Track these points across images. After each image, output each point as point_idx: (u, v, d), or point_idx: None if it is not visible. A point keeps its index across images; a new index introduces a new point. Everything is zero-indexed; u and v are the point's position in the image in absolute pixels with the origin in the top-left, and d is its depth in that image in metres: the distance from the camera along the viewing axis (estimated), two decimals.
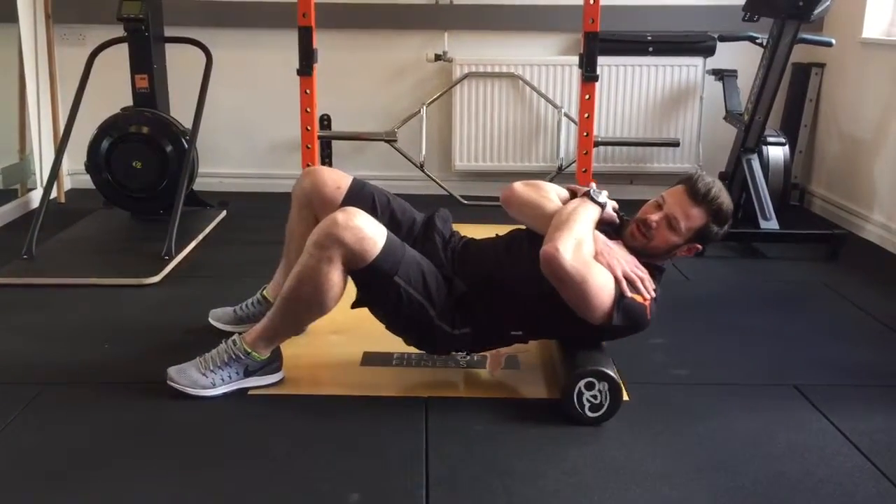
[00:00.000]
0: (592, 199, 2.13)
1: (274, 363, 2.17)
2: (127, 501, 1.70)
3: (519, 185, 2.24)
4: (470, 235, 2.35)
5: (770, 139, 3.85)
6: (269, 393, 2.15)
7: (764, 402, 2.19)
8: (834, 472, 1.86)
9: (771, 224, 3.51)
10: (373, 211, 2.19)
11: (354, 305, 2.12)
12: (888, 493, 1.78)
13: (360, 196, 2.27)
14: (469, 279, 2.14)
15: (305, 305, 2.04)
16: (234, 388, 2.12)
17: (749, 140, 3.69)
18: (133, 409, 2.07)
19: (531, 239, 2.12)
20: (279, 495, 1.72)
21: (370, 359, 2.37)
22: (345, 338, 2.46)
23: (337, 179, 2.30)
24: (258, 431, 1.98)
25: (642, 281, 2.05)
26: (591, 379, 2.00)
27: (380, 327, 2.30)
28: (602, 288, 1.98)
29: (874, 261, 3.49)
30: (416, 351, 2.32)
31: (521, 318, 2.15)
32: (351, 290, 2.08)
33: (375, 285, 2.03)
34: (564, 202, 2.19)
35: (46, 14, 4.04)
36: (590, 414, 2.02)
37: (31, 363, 2.32)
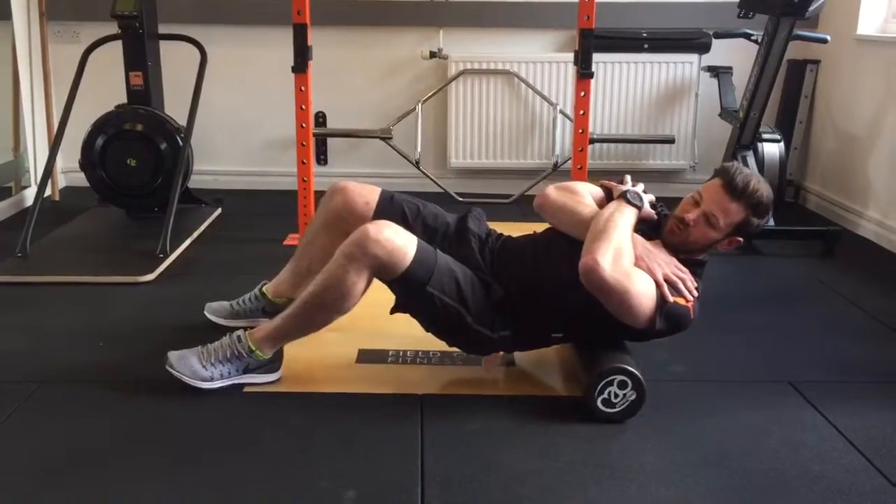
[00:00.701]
0: (629, 202, 2.10)
1: (274, 363, 2.17)
2: (123, 499, 1.70)
3: (552, 190, 2.21)
4: (507, 233, 2.34)
5: (765, 136, 3.85)
6: (265, 390, 2.14)
7: (760, 398, 2.19)
8: (829, 468, 1.86)
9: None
10: (404, 222, 2.19)
11: (393, 311, 2.13)
12: (883, 489, 1.78)
13: (390, 209, 2.26)
14: (509, 282, 2.13)
15: (326, 311, 2.05)
16: (231, 383, 2.12)
17: (744, 137, 3.69)
18: (128, 407, 2.06)
19: (570, 241, 2.10)
20: (275, 493, 1.72)
21: (365, 356, 2.36)
22: (340, 335, 2.46)
23: (365, 195, 2.29)
24: (254, 429, 1.98)
25: (684, 282, 2.03)
26: (625, 378, 2.00)
27: (376, 325, 2.31)
28: (644, 295, 1.96)
29: (869, 257, 3.50)
30: (412, 348, 2.32)
31: (562, 320, 2.14)
32: (379, 293, 2.09)
33: (409, 294, 2.05)
34: (599, 202, 2.17)
35: (40, 11, 4.03)
36: (602, 408, 2.02)
37: (26, 361, 2.31)
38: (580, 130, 3.29)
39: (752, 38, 3.80)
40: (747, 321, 2.74)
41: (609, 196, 2.19)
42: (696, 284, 2.07)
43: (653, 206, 2.22)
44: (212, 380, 2.10)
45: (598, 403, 2.02)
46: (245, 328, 2.16)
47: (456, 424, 2.01)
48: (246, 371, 2.12)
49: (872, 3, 3.88)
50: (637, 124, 4.31)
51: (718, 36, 3.95)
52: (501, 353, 2.33)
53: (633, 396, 2.01)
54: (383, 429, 1.98)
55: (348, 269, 1.97)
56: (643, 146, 4.31)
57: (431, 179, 4.06)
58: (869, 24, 3.89)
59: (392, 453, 1.88)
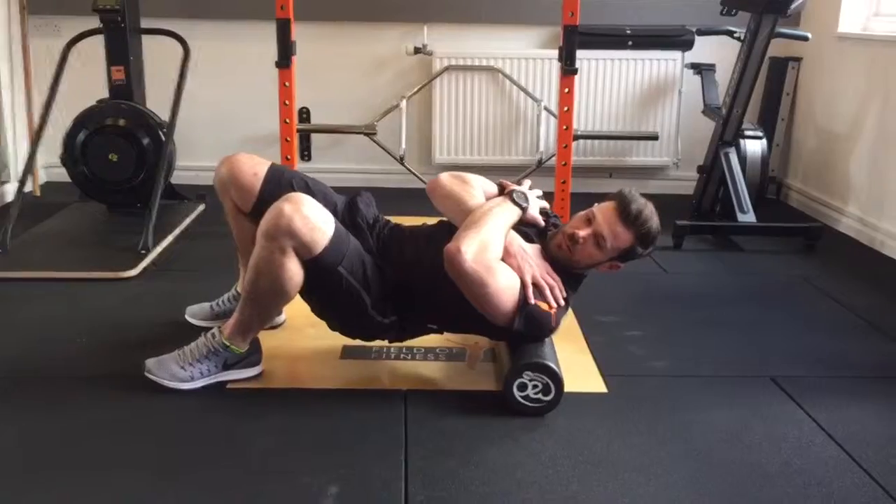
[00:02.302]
0: (513, 201, 2.11)
1: (253, 356, 2.16)
2: (104, 497, 1.69)
3: (445, 177, 2.21)
4: (397, 222, 2.33)
5: (748, 133, 3.88)
6: (247, 387, 2.13)
7: (741, 394, 2.21)
8: (810, 462, 1.88)
9: (748, 217, 3.54)
10: None
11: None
12: (863, 483, 1.80)
13: (279, 183, 2.21)
14: (391, 268, 2.13)
15: (268, 296, 2.02)
16: (213, 381, 2.11)
17: (727, 133, 3.72)
18: (110, 404, 2.05)
19: (451, 234, 2.06)
20: (258, 489, 1.72)
21: (349, 352, 2.36)
22: (323, 331, 2.44)
23: (254, 165, 2.24)
24: (237, 425, 1.97)
25: (552, 289, 2.05)
26: (522, 380, 2.02)
27: None
28: (503, 291, 1.98)
29: (850, 253, 3.53)
30: (396, 344, 2.32)
31: (436, 312, 2.15)
32: None
33: (318, 273, 2.00)
34: (490, 198, 2.17)
35: (21, 5, 3.99)
36: (545, 398, 2.03)
37: (5, 357, 2.30)
38: (564, 127, 3.30)
39: (735, 35, 3.83)
40: (729, 317, 2.76)
41: (502, 194, 2.19)
42: (564, 294, 2.08)
43: (545, 213, 2.24)
44: (192, 379, 2.09)
45: (521, 400, 2.03)
46: (219, 326, 2.15)
47: (439, 419, 2.01)
48: (225, 367, 2.11)
49: (854, 1, 3.91)
50: (621, 121, 4.32)
51: (701, 33, 3.98)
52: (483, 350, 2.34)
53: (545, 381, 2.01)
54: (367, 424, 1.98)
55: (272, 251, 1.93)
56: (627, 143, 4.32)
57: (416, 176, 4.06)
58: (850, 22, 3.92)
59: (375, 449, 1.88)
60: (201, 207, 3.83)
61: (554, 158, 3.48)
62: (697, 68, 4.16)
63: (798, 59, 4.26)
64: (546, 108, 4.17)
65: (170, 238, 3.35)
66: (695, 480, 1.79)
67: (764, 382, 2.27)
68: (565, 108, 3.28)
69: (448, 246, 1.96)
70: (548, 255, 2.13)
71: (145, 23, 3.67)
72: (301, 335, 2.45)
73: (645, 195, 2.19)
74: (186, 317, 2.51)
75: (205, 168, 4.31)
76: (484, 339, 2.28)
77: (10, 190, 3.85)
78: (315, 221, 1.94)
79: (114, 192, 3.58)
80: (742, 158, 3.81)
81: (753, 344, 2.54)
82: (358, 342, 2.35)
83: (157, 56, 3.73)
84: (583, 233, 2.08)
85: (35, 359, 2.29)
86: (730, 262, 3.37)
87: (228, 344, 2.10)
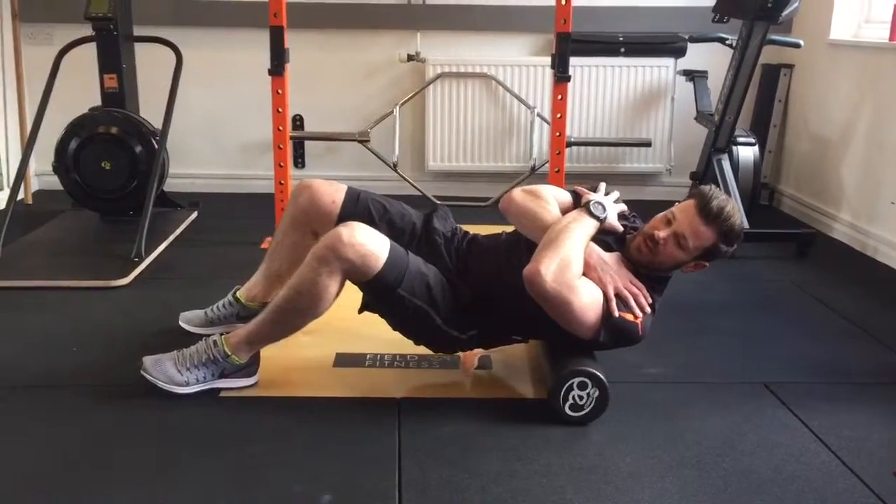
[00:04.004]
0: (590, 213, 2.06)
1: (250, 367, 2.15)
2: (97, 503, 1.68)
3: (517, 193, 2.18)
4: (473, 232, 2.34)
5: (740, 139, 3.88)
6: (241, 395, 2.13)
7: (734, 400, 2.21)
8: (803, 468, 1.88)
9: None
10: (370, 221, 2.17)
11: (361, 310, 2.14)
12: (856, 489, 1.80)
13: (356, 208, 2.25)
14: (472, 283, 2.14)
15: (300, 315, 2.04)
16: (207, 387, 2.10)
17: (719, 140, 3.72)
18: (103, 413, 2.04)
19: (529, 248, 2.05)
20: (250, 497, 1.71)
21: (343, 360, 2.36)
22: (317, 339, 2.45)
23: (332, 193, 2.27)
24: (230, 433, 1.96)
25: (636, 298, 2.02)
26: (584, 379, 2.00)
27: (352, 328, 2.30)
28: (587, 308, 1.96)
29: (842, 259, 3.54)
30: (389, 352, 2.31)
31: (519, 323, 2.16)
32: (356, 296, 2.11)
33: (380, 296, 2.05)
34: (566, 207, 2.14)
35: (13, 12, 3.98)
36: (571, 413, 2.02)
37: None
38: (557, 133, 3.31)
39: (727, 42, 3.84)
40: (722, 323, 2.76)
41: (577, 202, 2.16)
42: (650, 301, 2.05)
43: (623, 216, 2.21)
44: (187, 384, 2.08)
45: (567, 410, 2.02)
46: (221, 333, 2.15)
47: (433, 427, 2.00)
48: (221, 376, 2.11)
49: (845, 8, 3.93)
50: (614, 128, 4.33)
51: (694, 40, 3.99)
52: (478, 356, 2.33)
53: (597, 394, 2.01)
54: (360, 432, 1.98)
55: (321, 273, 1.96)
56: (620, 149, 4.33)
57: (409, 182, 4.06)
58: (842, 29, 3.94)
59: (369, 457, 1.87)
60: (194, 215, 3.82)
61: (547, 165, 3.48)
62: (690, 75, 4.17)
63: (790, 66, 4.28)
64: (539, 115, 4.17)
65: (163, 246, 3.34)
66: (688, 487, 1.79)
67: (757, 389, 2.27)
68: (558, 115, 3.28)
69: (528, 268, 1.94)
70: (629, 261, 2.09)
71: (138, 30, 3.67)
72: (294, 343, 2.43)
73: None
74: (180, 322, 2.50)
75: (198, 175, 4.34)
76: (478, 347, 2.27)
77: (2, 198, 3.83)
78: (368, 248, 1.96)
79: (106, 200, 3.57)
80: (734, 165, 3.81)
81: (746, 350, 2.55)
82: (351, 349, 2.35)
83: (150, 64, 3.72)
84: (663, 234, 2.03)
85: (27, 368, 2.28)
86: (722, 268, 3.36)
87: (230, 354, 2.09)
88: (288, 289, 2.03)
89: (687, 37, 4.05)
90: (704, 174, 3.83)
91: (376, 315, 2.15)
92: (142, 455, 1.86)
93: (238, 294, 2.46)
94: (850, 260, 3.54)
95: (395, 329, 2.17)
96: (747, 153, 3.90)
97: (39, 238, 3.41)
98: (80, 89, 3.64)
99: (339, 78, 4.29)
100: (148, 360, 2.11)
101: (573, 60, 3.27)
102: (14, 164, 3.91)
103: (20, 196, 3.71)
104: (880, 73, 3.56)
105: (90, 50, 3.52)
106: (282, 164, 3.31)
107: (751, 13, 3.45)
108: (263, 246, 3.39)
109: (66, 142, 3.48)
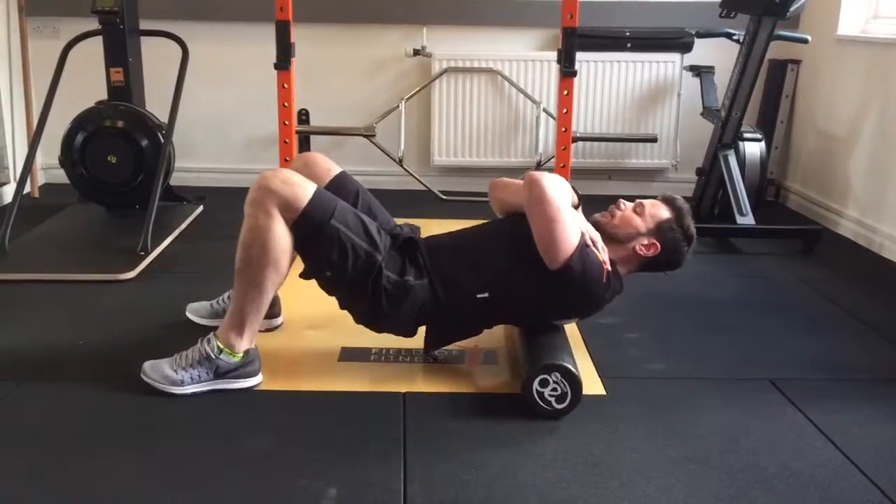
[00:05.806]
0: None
1: (248, 366, 2.13)
2: (103, 497, 1.69)
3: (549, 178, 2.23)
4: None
5: (746, 135, 3.88)
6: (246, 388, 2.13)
7: (740, 396, 2.20)
8: (808, 465, 1.87)
9: (747, 220, 3.54)
10: (353, 202, 2.22)
11: (302, 275, 2.14)
12: (861, 486, 1.80)
13: (346, 185, 2.28)
14: (437, 257, 2.18)
15: (259, 269, 2.02)
16: (206, 388, 2.09)
17: (726, 136, 3.72)
18: (109, 406, 2.05)
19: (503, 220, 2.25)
20: (255, 491, 1.71)
21: (348, 354, 2.36)
22: (322, 333, 2.45)
23: (329, 163, 2.34)
24: (235, 427, 1.97)
25: (595, 243, 2.14)
26: (543, 376, 2.01)
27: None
28: (570, 225, 2.05)
29: (849, 256, 3.53)
30: (394, 346, 2.31)
31: (488, 278, 2.14)
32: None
33: (314, 236, 2.02)
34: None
35: (20, 6, 3.99)
36: (557, 406, 2.03)
37: (5, 359, 2.29)
38: (563, 129, 3.30)
39: (734, 37, 3.83)
40: (727, 319, 2.76)
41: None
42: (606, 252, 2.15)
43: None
44: (182, 384, 2.08)
45: (554, 404, 2.03)
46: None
47: (438, 422, 2.01)
48: (218, 375, 2.09)
49: (853, 4, 3.91)
50: (620, 123, 4.32)
51: (700, 35, 3.98)
52: (483, 352, 2.33)
53: (559, 377, 2.02)
54: (365, 427, 1.98)
55: (257, 217, 1.99)
56: (626, 145, 4.32)
57: (415, 177, 4.06)
58: (849, 24, 3.92)
59: (374, 451, 1.87)
60: (200, 209, 3.83)
61: (553, 160, 3.48)
62: (696, 70, 4.16)
63: (797, 62, 4.27)
64: (545, 110, 4.17)
65: (169, 239, 3.35)
66: (693, 483, 1.79)
67: (763, 385, 2.27)
68: (564, 110, 3.27)
69: (530, 173, 2.11)
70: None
71: (144, 24, 3.67)
72: (299, 337, 2.45)
73: (644, 198, 2.21)
74: (187, 314, 2.51)
75: (204, 169, 4.35)
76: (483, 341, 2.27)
77: (9, 191, 3.84)
78: (294, 179, 2.03)
79: (112, 194, 3.58)
80: (741, 161, 3.81)
81: (752, 346, 2.54)
82: (356, 344, 2.35)
83: (157, 58, 3.73)
84: (623, 203, 2.28)
85: (33, 361, 2.28)
86: (728, 264, 3.37)
87: (222, 347, 2.08)
88: (238, 248, 2.05)
89: (694, 32, 4.04)
90: (710, 170, 3.83)
91: (309, 277, 2.14)
92: (147, 448, 1.87)
93: None
94: (857, 256, 3.53)
95: (341, 302, 2.15)
96: (754, 149, 3.89)
97: (46, 231, 3.42)
98: (87, 83, 3.65)
99: (345, 72, 4.28)
100: (147, 365, 2.12)
101: (579, 55, 3.26)
102: (21, 158, 3.93)
103: (27, 190, 3.73)
104: (888, 69, 3.54)
105: (97, 44, 3.52)
106: (287, 158, 3.31)
107: (758, 8, 3.43)
108: None
109: (72, 135, 3.48)
